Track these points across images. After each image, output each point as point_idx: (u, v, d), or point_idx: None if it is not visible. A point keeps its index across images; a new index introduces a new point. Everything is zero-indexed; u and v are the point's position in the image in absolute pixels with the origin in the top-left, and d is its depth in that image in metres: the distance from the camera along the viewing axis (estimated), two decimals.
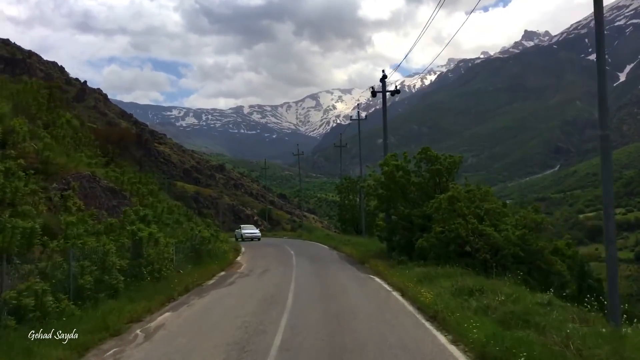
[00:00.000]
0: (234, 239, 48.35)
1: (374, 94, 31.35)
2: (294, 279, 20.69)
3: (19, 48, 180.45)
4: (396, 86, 33.52)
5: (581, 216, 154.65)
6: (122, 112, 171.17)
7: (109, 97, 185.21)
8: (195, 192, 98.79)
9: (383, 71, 30.57)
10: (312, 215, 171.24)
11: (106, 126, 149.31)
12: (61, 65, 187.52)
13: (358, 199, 55.03)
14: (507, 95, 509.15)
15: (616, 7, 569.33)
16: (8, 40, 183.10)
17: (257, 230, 54.76)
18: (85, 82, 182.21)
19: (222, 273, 23.15)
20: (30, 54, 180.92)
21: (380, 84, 31.14)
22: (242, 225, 60.15)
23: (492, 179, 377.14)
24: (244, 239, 49.99)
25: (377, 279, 21.07)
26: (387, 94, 31.88)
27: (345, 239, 42.08)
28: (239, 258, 30.56)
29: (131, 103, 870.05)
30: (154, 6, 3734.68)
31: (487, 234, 20.33)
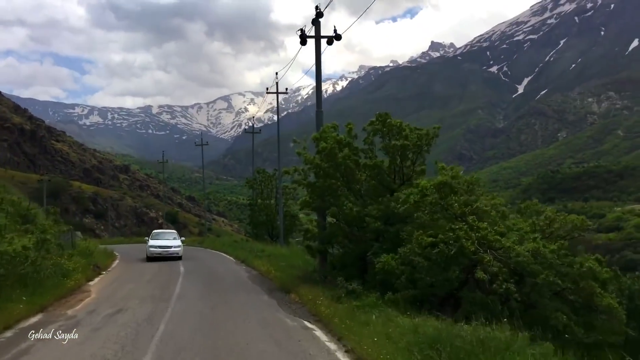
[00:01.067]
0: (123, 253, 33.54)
1: (303, 40, 19.16)
2: (159, 339, 10.56)
3: None
4: (335, 30, 19.71)
5: None
6: (15, 107, 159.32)
7: (4, 92, 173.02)
8: (93, 193, 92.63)
9: (317, 7, 18.96)
10: (222, 219, 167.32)
11: None
12: None
13: (275, 197, 46.35)
14: (415, 103, 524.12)
15: (515, 23, 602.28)
16: None
17: (176, 242, 31.39)
18: None
19: (27, 323, 11.62)
20: None
21: (313, 27, 19.79)
22: (154, 232, 33.84)
23: None
24: (150, 257, 30.02)
25: (324, 339, 10.88)
26: (323, 41, 19.90)
27: (259, 249, 31.64)
28: (94, 281, 19.54)
29: (29, 99, 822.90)
30: None
31: (504, 248, 12.15)
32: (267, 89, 39.86)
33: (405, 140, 17.88)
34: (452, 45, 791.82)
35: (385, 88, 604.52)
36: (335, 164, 18.06)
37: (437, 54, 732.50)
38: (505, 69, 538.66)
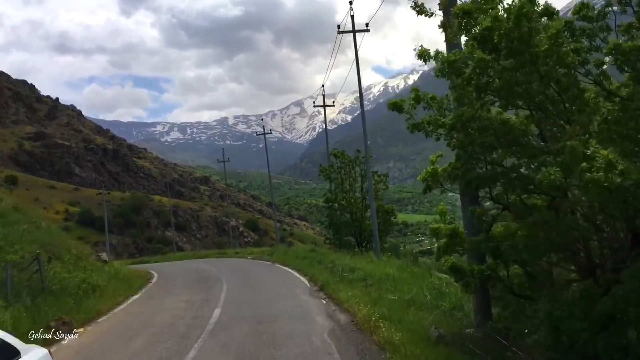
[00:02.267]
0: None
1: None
2: None
3: None
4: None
5: None
6: (97, 128, 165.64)
7: (91, 116, 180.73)
8: (173, 206, 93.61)
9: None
10: (303, 222, 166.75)
11: (81, 143, 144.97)
12: (31, 83, 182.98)
13: (362, 189, 33.39)
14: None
15: None
16: None
17: None
18: (57, 99, 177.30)
19: None
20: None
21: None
22: None
23: None
24: None
25: None
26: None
27: (345, 265, 20.61)
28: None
29: (114, 121, 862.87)
30: (130, 23, 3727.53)
31: None
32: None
33: None
34: None
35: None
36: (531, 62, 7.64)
37: None
38: None
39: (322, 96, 39.82)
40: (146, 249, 75.56)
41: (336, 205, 34.02)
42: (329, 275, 19.09)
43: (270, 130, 58.15)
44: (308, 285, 19.47)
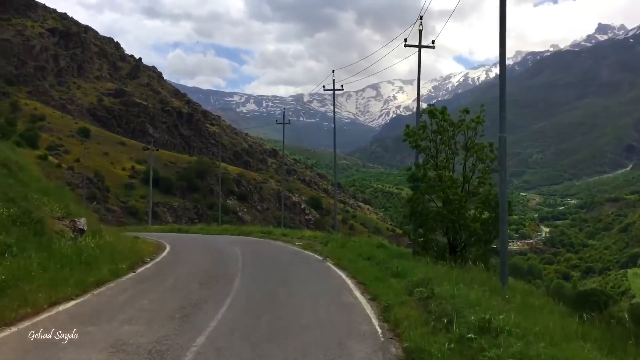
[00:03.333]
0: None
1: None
2: None
3: (75, 22, 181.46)
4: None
5: None
6: (175, 91, 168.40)
7: (173, 81, 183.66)
8: (238, 175, 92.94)
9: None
10: (367, 206, 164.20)
11: (158, 104, 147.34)
12: (117, 42, 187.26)
13: (463, 166, 20.95)
14: (578, 90, 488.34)
15: None
16: (65, 14, 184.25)
17: None
18: (140, 59, 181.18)
19: None
20: (87, 29, 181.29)
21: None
22: None
23: (558, 176, 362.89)
24: None
25: None
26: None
27: (464, 306, 9.16)
28: None
29: (194, 88, 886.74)
30: None
31: None
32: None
33: None
34: (622, 27, 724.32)
35: (544, 74, 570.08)
36: None
37: (605, 37, 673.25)
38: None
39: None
40: (206, 215, 75.21)
41: (422, 185, 21.07)
42: (421, 319, 9.37)
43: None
44: (380, 334, 9.01)
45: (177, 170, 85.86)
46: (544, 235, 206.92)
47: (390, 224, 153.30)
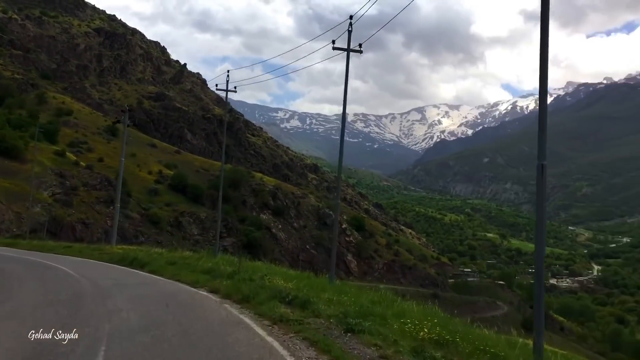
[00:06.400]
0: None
1: None
2: None
3: (123, 24, 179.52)
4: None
5: None
6: (218, 99, 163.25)
7: (220, 94, 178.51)
8: (274, 187, 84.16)
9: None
10: (410, 230, 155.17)
11: (199, 111, 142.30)
12: (163, 46, 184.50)
13: None
14: (632, 124, 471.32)
15: None
16: (114, 16, 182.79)
17: None
18: (184, 64, 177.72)
19: None
20: (134, 31, 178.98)
21: None
22: None
23: (609, 212, 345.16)
24: None
25: None
26: None
27: None
28: None
29: (239, 101, 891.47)
30: (268, 9, 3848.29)
31: None
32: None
33: None
34: None
35: (597, 106, 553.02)
36: None
37: None
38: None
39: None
40: (236, 229, 67.44)
41: None
42: None
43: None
44: None
45: (209, 177, 78.87)
46: (595, 273, 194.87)
47: (434, 251, 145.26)
